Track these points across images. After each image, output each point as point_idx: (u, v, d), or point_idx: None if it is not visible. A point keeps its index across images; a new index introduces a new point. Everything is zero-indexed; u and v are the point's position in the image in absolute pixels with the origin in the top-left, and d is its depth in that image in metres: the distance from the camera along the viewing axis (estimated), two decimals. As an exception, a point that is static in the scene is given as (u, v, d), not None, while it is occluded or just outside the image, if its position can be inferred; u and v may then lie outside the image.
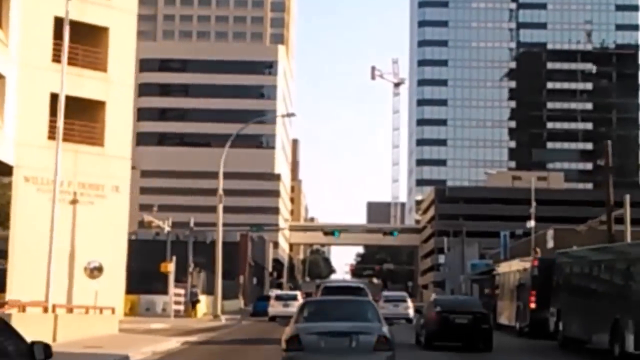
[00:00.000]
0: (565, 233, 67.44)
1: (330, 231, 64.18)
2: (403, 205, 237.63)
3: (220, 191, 51.73)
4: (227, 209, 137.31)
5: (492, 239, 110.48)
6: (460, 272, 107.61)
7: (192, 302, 63.70)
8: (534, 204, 67.09)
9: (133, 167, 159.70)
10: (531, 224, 65.16)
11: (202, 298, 67.82)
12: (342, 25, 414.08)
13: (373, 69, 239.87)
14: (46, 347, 9.67)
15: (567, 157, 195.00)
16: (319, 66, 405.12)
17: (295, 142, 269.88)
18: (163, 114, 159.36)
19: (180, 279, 66.96)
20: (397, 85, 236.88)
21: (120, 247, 45.96)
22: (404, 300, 55.14)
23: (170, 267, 55.86)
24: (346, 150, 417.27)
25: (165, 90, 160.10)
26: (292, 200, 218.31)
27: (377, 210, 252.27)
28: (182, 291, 64.18)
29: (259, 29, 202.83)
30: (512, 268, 42.51)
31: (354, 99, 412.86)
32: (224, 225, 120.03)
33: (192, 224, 69.04)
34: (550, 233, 69.07)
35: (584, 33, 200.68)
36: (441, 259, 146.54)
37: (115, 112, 46.26)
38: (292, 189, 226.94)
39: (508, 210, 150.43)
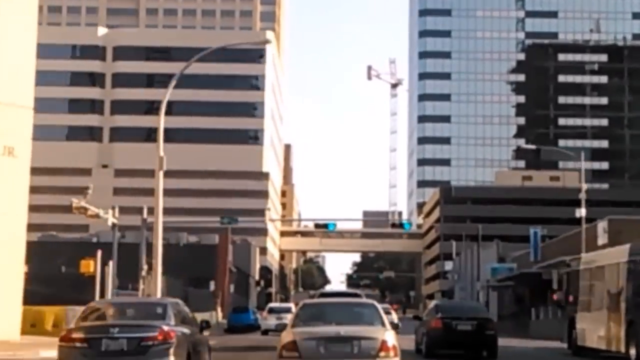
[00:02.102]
0: (623, 225, 53.33)
1: (323, 224, 49.83)
2: (400, 213, 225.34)
3: (161, 153, 36.41)
4: (208, 211, 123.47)
5: (504, 243, 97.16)
6: (475, 279, 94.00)
7: (145, 317, 49.16)
8: (584, 186, 52.95)
9: (105, 166, 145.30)
10: (582, 212, 51.00)
11: (160, 310, 53.14)
12: (336, 21, 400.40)
13: (369, 68, 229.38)
14: (207, 322, 21.10)
15: (579, 156, 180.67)
16: (311, 66, 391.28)
17: (287, 148, 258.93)
18: (140, 107, 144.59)
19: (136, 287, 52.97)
20: (394, 86, 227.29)
21: (14, 238, 31.47)
22: (387, 313, 52.27)
23: (92, 266, 40.82)
24: (340, 155, 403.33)
25: (142, 80, 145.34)
26: (283, 205, 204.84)
27: (374, 219, 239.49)
28: (131, 302, 49.78)
29: (248, 24, 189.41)
30: (613, 260, 27.26)
31: (349, 101, 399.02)
32: (203, 228, 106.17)
33: (144, 215, 54.39)
34: (602, 225, 54.64)
35: (594, 24, 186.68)
36: (448, 265, 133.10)
37: (8, 37, 31.81)
38: (284, 193, 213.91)
39: (520, 211, 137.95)
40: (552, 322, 56.57)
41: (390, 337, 16.34)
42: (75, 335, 17.30)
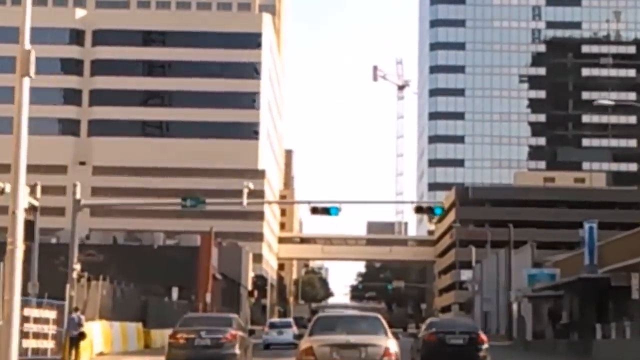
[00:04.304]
0: None
1: (323, 208, 35.75)
2: (407, 224, 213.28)
3: (27, 45, 21.11)
4: (194, 214, 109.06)
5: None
6: (503, 289, 79.79)
7: (72, 337, 34.32)
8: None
9: (83, 163, 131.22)
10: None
11: (98, 327, 38.65)
12: (339, 18, 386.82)
13: (375, 69, 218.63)
14: (253, 331, 34.90)
15: (601, 157, 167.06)
16: (313, 66, 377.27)
17: (289, 153, 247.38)
18: (123, 98, 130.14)
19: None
20: (401, 88, 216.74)
21: None
22: None
23: None
24: (344, 161, 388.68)
25: (125, 68, 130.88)
26: (283, 212, 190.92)
27: (379, 230, 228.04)
28: (51, 315, 35.31)
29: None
30: None
31: (354, 104, 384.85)
32: (190, 231, 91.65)
33: (78, 195, 40.00)
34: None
35: (613, 14, 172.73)
36: (464, 274, 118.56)
37: None
38: (284, 198, 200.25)
39: (545, 214, 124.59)
40: (631, 343, 42.07)
41: (392, 344, 19.20)
42: (179, 335, 27.37)
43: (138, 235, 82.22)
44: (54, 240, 78.90)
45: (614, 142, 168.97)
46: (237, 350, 27.09)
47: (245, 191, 40.15)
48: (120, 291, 43.52)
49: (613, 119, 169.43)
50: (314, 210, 38.51)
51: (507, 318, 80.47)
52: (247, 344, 29.21)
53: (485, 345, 29.27)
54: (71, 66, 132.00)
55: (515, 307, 70.41)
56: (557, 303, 64.83)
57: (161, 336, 51.04)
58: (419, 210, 40.50)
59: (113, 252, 75.71)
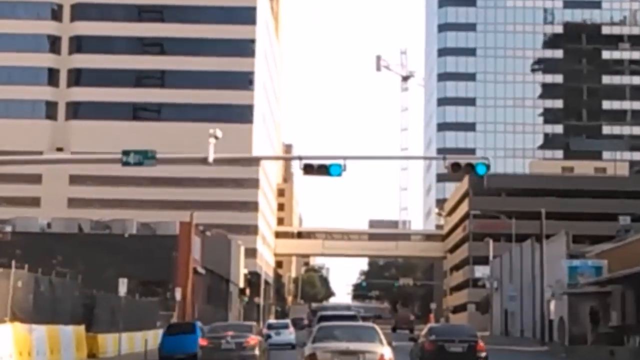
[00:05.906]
0: None
1: (320, 166, 24.68)
2: (410, 222, 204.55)
3: None
4: (183, 204, 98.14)
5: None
6: (533, 285, 69.38)
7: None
8: None
9: (60, 149, 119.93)
10: None
11: (7, 331, 27.72)
12: (340, 7, 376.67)
13: (378, 58, 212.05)
14: (269, 335, 46.65)
15: (619, 145, 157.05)
16: (313, 57, 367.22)
17: (288, 148, 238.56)
18: (104, 78, 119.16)
19: None
20: (405, 78, 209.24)
21: None
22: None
23: None
24: (346, 154, 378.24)
25: (107, 46, 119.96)
26: (281, 206, 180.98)
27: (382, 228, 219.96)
28: None
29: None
30: None
31: (356, 96, 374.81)
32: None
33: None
34: None
35: None
36: (479, 271, 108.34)
37: None
38: (282, 192, 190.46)
39: (567, 204, 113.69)
40: None
41: (387, 351, 21.19)
42: (208, 340, 32.06)
43: (108, 223, 71.31)
44: (9, 229, 68.38)
45: (635, 130, 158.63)
46: (257, 352, 31.77)
47: (212, 141, 29.14)
48: (50, 284, 32.36)
49: (636, 104, 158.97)
50: (308, 170, 27.68)
51: (534, 319, 70.10)
52: (264, 347, 33.95)
53: (484, 354, 29.63)
54: (47, 43, 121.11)
55: (552, 305, 59.49)
56: (603, 301, 54.11)
57: (114, 342, 39.94)
58: (456, 167, 29.39)
59: (77, 242, 65.29)
